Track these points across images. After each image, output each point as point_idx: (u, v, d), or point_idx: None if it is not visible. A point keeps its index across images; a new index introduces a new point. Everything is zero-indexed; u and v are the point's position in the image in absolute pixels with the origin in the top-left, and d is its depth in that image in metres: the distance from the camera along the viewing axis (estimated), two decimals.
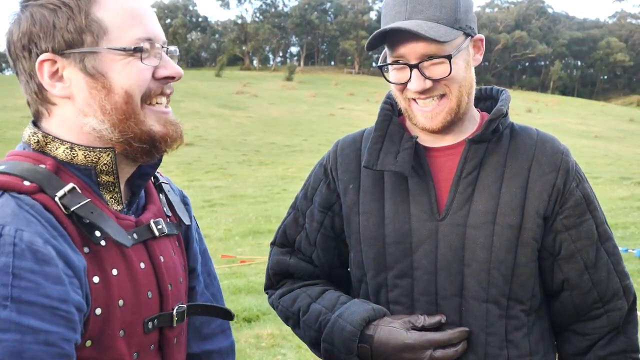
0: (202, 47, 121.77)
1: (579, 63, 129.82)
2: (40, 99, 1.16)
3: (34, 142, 1.15)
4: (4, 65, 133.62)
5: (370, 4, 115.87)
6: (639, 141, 38.50)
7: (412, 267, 1.56)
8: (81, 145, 1.14)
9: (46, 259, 0.97)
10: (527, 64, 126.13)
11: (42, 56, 1.11)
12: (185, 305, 1.34)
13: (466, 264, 1.53)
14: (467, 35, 1.54)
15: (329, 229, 1.68)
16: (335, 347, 1.52)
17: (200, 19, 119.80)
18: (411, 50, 1.48)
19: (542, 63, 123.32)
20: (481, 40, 1.59)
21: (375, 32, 1.49)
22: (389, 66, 1.55)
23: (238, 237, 9.35)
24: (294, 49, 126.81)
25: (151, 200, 1.35)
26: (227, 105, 44.17)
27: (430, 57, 1.48)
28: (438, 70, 1.50)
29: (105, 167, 1.16)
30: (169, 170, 18.32)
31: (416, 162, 1.58)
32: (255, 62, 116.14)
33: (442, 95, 1.53)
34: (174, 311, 1.29)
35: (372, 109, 49.16)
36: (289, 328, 5.70)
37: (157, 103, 1.25)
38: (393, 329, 1.47)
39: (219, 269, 7.51)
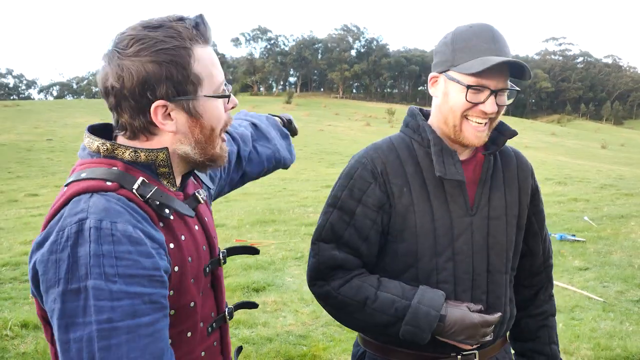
0: None
1: None
2: (144, 129, 1.17)
3: (104, 150, 1.16)
4: (66, 92, 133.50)
5: (352, 44, 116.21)
6: (558, 150, 38.90)
7: (454, 253, 1.62)
8: (143, 149, 1.17)
9: (137, 240, 1.03)
10: None
11: (158, 102, 1.13)
12: (225, 250, 1.43)
13: (490, 247, 1.64)
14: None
15: (379, 225, 1.65)
16: (419, 328, 1.55)
17: (219, 56, 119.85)
18: (497, 81, 1.51)
19: None
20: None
21: (489, 62, 1.46)
22: (465, 87, 1.52)
23: (248, 225, 9.39)
24: (292, 79, 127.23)
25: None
26: None
27: (503, 89, 1.54)
28: (502, 100, 1.55)
29: (162, 162, 1.20)
30: None
31: (453, 169, 1.63)
32: (261, 89, 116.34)
33: (491, 119, 1.58)
34: (220, 255, 1.38)
35: (353, 125, 49.31)
36: (290, 296, 5.74)
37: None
38: (464, 311, 1.56)
39: None
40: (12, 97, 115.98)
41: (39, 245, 1.03)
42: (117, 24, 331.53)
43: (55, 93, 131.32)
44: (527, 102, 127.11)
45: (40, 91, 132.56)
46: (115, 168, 1.14)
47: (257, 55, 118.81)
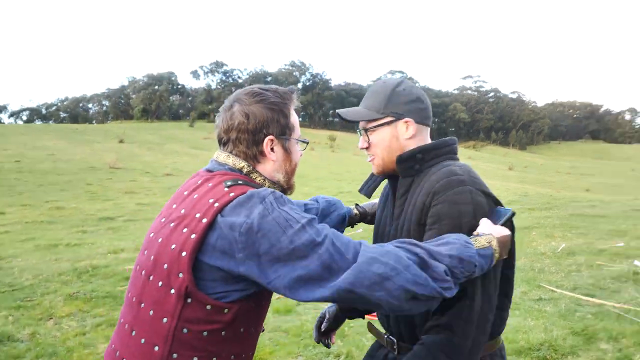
0: (180, 106, 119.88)
1: (436, 120, 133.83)
2: (254, 157, 1.40)
3: (246, 171, 1.38)
4: (35, 116, 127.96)
5: (298, 77, 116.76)
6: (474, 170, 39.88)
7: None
8: (269, 180, 1.42)
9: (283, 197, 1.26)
10: None
11: (269, 137, 1.39)
12: None
13: None
14: (395, 117, 1.57)
15: None
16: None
17: (179, 86, 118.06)
18: (363, 123, 1.63)
19: None
20: (406, 121, 1.57)
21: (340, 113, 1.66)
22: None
23: None
24: None
25: None
26: (198, 147, 43.52)
27: (364, 128, 1.62)
28: (371, 136, 1.61)
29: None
30: (155, 193, 17.85)
31: (390, 188, 1.73)
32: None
33: (375, 152, 1.62)
34: None
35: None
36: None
37: None
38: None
39: None
40: None
41: (239, 217, 1.18)
42: (85, 54, 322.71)
43: (25, 118, 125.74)
44: (447, 130, 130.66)
45: (11, 116, 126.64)
46: (254, 184, 1.37)
47: (214, 86, 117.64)
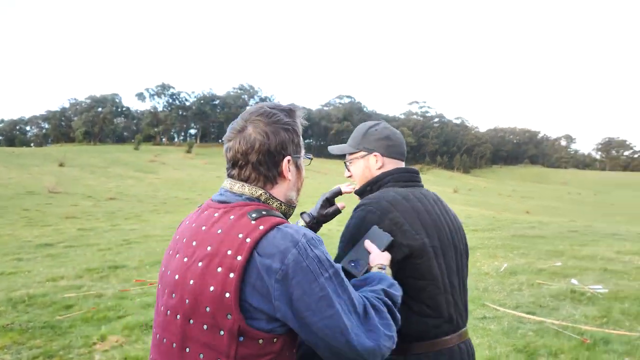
0: (124, 129, 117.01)
1: None
2: (273, 179, 1.39)
3: (264, 198, 1.38)
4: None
5: (247, 101, 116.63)
6: None
7: None
8: (284, 203, 1.43)
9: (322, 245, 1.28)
10: None
11: (287, 157, 1.39)
12: None
13: None
14: (367, 152, 1.94)
15: None
16: None
17: (124, 108, 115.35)
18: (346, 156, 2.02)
19: None
20: (375, 155, 1.92)
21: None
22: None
23: (148, 265, 8.94)
24: (192, 131, 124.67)
25: None
26: (143, 170, 42.56)
27: (347, 161, 2.01)
28: (350, 167, 1.99)
29: (290, 213, 1.47)
30: (97, 217, 17.28)
31: None
32: (164, 139, 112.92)
33: (354, 182, 1.99)
34: None
35: None
36: None
37: None
38: None
39: (134, 290, 7.16)
40: None
41: (274, 261, 1.18)
42: (21, 74, 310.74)
43: None
44: None
45: None
46: (274, 210, 1.36)
47: (160, 109, 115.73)
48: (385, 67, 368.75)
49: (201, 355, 1.20)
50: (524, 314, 5.88)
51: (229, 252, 1.20)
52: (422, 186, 1.92)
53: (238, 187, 1.36)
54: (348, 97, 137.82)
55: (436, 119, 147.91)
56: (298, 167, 1.46)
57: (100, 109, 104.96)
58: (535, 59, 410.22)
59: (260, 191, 1.36)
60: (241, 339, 1.18)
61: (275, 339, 1.21)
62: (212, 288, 1.18)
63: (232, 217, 1.28)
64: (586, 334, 5.03)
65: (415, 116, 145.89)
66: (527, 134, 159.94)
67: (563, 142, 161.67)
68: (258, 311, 1.18)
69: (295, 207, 1.48)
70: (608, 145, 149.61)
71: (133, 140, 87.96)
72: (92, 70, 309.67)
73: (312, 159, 1.56)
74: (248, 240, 1.20)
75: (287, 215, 1.44)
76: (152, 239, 12.32)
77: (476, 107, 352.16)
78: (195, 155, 67.85)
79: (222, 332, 1.18)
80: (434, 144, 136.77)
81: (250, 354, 1.19)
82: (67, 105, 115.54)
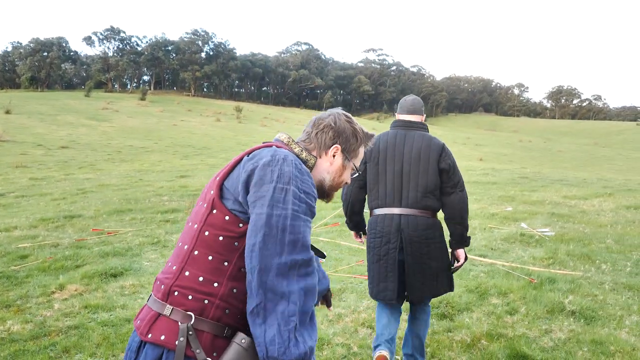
0: (74, 75, 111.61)
1: (341, 92, 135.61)
2: (321, 148, 1.69)
3: (287, 141, 1.68)
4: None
5: (201, 47, 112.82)
6: None
7: None
8: (307, 150, 1.70)
9: (310, 177, 1.52)
10: (309, 92, 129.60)
11: (337, 145, 1.70)
12: None
13: None
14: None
15: None
16: None
17: (72, 53, 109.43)
18: None
19: (318, 91, 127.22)
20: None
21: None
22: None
23: (105, 215, 8.77)
24: (146, 77, 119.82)
25: None
26: (95, 118, 41.03)
27: None
28: None
29: (309, 166, 1.68)
30: (49, 167, 16.72)
31: None
32: (116, 86, 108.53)
33: None
34: None
35: (204, 121, 47.82)
36: (147, 279, 5.54)
37: None
38: None
39: (91, 239, 7.05)
40: None
41: (254, 163, 1.46)
42: None
43: None
44: (352, 102, 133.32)
45: None
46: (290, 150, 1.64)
47: (110, 54, 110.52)
48: (342, 14, 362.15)
49: (191, 224, 1.55)
50: (476, 256, 6.13)
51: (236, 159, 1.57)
52: (407, 129, 3.25)
53: (280, 135, 1.71)
54: (306, 44, 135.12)
55: (393, 67, 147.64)
56: (344, 165, 1.72)
57: (46, 54, 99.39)
58: (491, 6, 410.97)
59: (284, 136, 1.69)
60: (214, 211, 1.48)
61: (241, 224, 1.46)
62: (217, 178, 1.53)
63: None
64: (534, 274, 5.31)
65: (373, 64, 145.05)
66: (481, 83, 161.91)
67: (516, 91, 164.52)
68: (229, 192, 1.48)
69: (325, 192, 1.72)
70: (558, 94, 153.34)
71: (83, 87, 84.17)
72: (34, 11, 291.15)
73: (358, 174, 2.01)
74: (247, 149, 1.57)
75: (305, 163, 1.65)
76: (108, 188, 12.07)
77: (432, 55, 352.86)
78: (149, 102, 65.66)
79: (204, 205, 1.51)
80: (391, 92, 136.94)
81: (215, 224, 1.47)
82: (9, 48, 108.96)
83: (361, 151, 1.76)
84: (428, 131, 3.29)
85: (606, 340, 3.75)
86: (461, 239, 3.19)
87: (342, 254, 6.41)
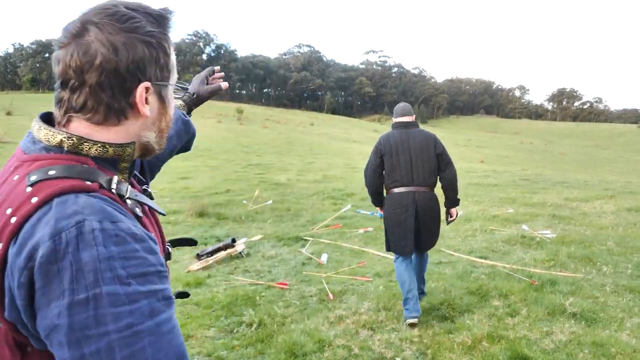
0: None
1: (343, 93, 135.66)
2: (120, 112, 0.95)
3: (69, 145, 0.91)
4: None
5: (203, 48, 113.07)
6: None
7: None
8: (112, 144, 0.95)
9: (141, 237, 0.85)
10: (309, 93, 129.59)
11: (145, 83, 0.95)
12: (169, 242, 1.28)
13: None
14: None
15: None
16: None
17: None
18: None
19: (319, 93, 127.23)
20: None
21: None
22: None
23: None
24: None
25: None
26: None
27: None
28: None
29: (127, 157, 0.99)
30: None
31: None
32: None
33: None
34: (169, 249, 1.22)
35: (205, 123, 47.97)
36: None
37: None
38: None
39: None
40: None
41: (28, 257, 0.79)
42: None
43: None
44: (354, 104, 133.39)
45: None
46: (86, 165, 0.91)
47: None
48: (344, 15, 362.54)
49: None
50: (477, 258, 6.13)
51: None
52: (408, 128, 4.38)
53: (44, 133, 0.93)
54: (307, 46, 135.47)
55: (395, 69, 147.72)
56: (163, 99, 1.02)
57: (47, 55, 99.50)
58: (493, 9, 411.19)
59: (60, 136, 0.92)
60: None
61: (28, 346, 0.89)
62: None
63: (16, 177, 0.91)
64: (534, 276, 5.31)
65: (374, 66, 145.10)
66: (483, 85, 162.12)
67: (517, 93, 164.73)
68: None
69: (154, 151, 1.06)
70: (559, 96, 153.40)
71: None
72: (36, 13, 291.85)
73: (187, 89, 1.22)
74: (13, 220, 0.83)
75: (123, 159, 0.99)
76: None
77: (434, 57, 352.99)
78: None
79: None
80: (393, 94, 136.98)
81: None
82: (11, 50, 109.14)
83: (172, 58, 1.04)
84: (419, 126, 4.49)
85: (607, 342, 3.74)
86: (454, 201, 4.48)
87: (344, 256, 6.41)
